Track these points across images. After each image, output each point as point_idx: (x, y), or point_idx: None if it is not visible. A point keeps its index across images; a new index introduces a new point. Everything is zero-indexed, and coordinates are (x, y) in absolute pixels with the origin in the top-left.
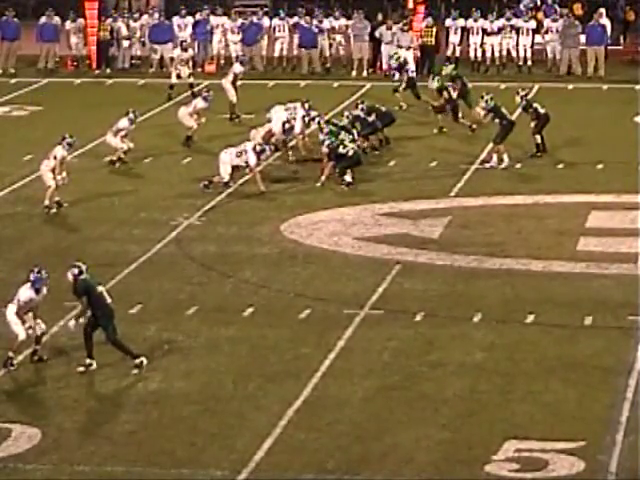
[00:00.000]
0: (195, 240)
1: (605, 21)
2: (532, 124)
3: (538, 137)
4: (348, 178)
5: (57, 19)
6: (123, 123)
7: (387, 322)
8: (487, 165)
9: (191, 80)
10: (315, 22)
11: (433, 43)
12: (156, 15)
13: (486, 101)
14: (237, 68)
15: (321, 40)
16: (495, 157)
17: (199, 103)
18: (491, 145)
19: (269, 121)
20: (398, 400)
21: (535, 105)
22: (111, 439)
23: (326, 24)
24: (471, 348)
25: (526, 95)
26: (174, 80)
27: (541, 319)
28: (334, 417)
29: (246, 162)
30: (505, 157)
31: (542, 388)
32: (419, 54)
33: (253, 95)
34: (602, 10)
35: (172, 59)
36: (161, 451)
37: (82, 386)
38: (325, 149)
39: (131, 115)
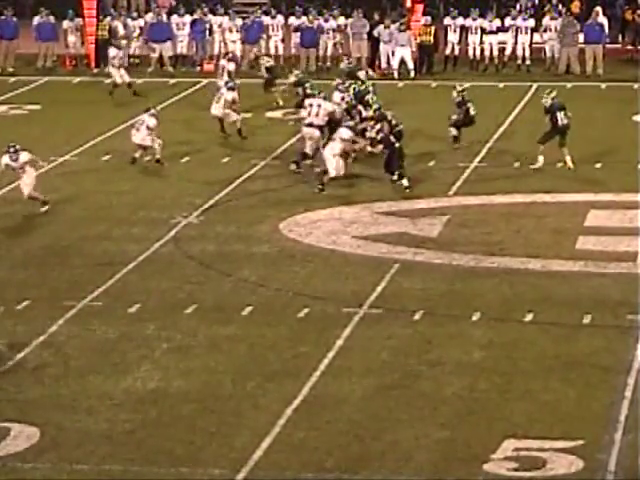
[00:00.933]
0: (194, 239)
1: (602, 19)
2: (454, 116)
3: (454, 130)
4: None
5: (51, 18)
6: (152, 122)
7: (386, 321)
8: (532, 166)
9: (128, 80)
10: (319, 21)
11: (432, 42)
12: (162, 13)
13: (552, 98)
14: (229, 66)
15: (325, 39)
16: (541, 158)
17: (227, 95)
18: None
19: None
20: (397, 399)
21: (469, 105)
22: (110, 438)
23: (331, 24)
24: (470, 347)
25: (463, 91)
26: (127, 79)
27: (540, 318)
28: (333, 416)
29: (341, 138)
30: (540, 158)
31: (541, 387)
32: (418, 53)
33: (252, 94)
34: (598, 9)
35: (170, 58)
36: (160, 450)
37: (81, 385)
38: (374, 134)
39: (153, 111)
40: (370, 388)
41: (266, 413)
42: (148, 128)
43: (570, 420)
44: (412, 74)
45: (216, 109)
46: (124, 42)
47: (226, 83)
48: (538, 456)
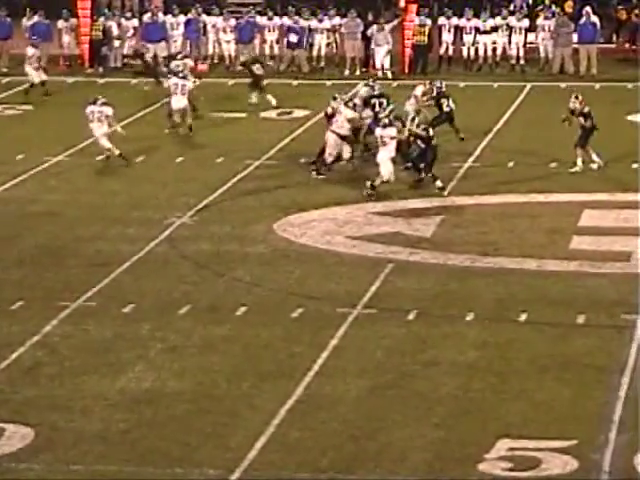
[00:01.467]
0: (188, 239)
1: (594, 19)
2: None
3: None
4: (440, 183)
5: (36, 18)
6: (111, 110)
7: (380, 321)
8: (571, 170)
9: (44, 78)
10: (305, 22)
11: (426, 42)
12: (160, 14)
13: (580, 102)
14: (191, 63)
15: (319, 39)
16: (580, 161)
17: (188, 84)
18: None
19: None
20: (392, 399)
21: (442, 101)
22: (105, 438)
23: (325, 24)
24: (464, 347)
25: (440, 88)
26: (44, 77)
27: (534, 318)
28: (328, 416)
29: (391, 137)
30: (579, 161)
31: (535, 387)
32: (412, 53)
33: (246, 94)
34: (588, 8)
35: (165, 57)
36: (155, 450)
37: (75, 385)
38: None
39: (104, 99)
40: (364, 388)
41: (261, 413)
42: (107, 117)
43: (565, 420)
44: (388, 74)
45: (180, 101)
46: (118, 42)
47: (177, 73)
48: (533, 456)
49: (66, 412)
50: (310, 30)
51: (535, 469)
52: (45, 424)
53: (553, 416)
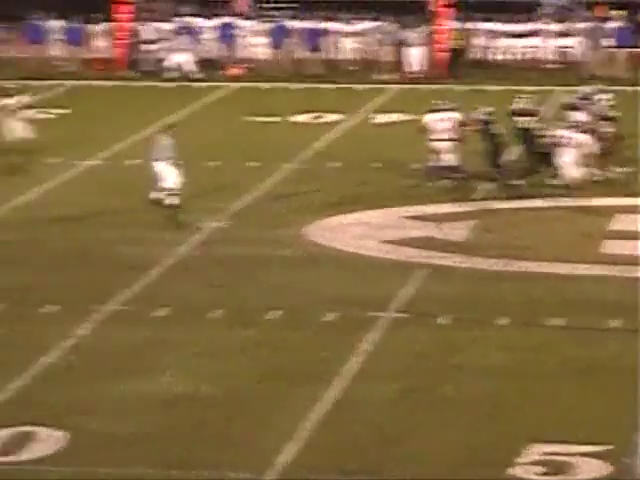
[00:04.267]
0: (221, 242)
1: (627, 23)
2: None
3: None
4: None
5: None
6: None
7: (411, 325)
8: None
9: None
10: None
11: (459, 46)
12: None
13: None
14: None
15: (346, 43)
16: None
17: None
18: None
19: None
20: (421, 403)
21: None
22: (135, 442)
23: (350, 27)
24: (494, 351)
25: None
26: None
27: (565, 322)
28: (357, 420)
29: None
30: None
31: (566, 391)
32: (446, 57)
33: (277, 99)
34: (622, 12)
35: (196, 62)
36: (185, 454)
37: (107, 389)
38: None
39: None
40: (395, 392)
41: (290, 417)
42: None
43: (596, 424)
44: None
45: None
46: (152, 47)
47: None
48: (565, 460)
49: (98, 415)
50: (339, 34)
51: (567, 474)
52: (77, 427)
53: (584, 420)
